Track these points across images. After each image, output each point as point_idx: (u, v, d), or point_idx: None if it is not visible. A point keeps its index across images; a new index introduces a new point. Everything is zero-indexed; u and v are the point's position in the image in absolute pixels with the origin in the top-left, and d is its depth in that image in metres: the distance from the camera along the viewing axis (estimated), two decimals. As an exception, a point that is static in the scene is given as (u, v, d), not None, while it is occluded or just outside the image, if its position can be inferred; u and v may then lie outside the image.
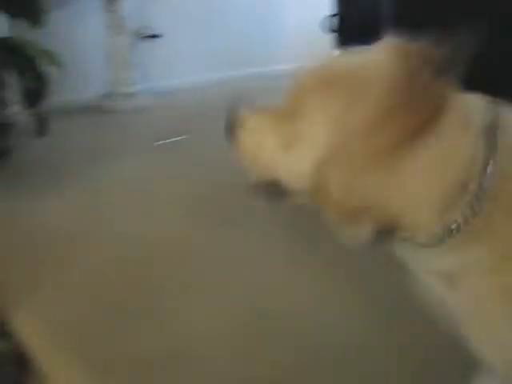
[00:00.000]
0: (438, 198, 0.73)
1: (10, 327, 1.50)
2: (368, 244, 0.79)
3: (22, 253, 1.84)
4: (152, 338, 1.43)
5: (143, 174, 2.60)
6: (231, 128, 1.02)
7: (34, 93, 2.60)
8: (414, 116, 0.72)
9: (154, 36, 4.15)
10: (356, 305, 1.55)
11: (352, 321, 1.49)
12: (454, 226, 0.73)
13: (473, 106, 0.77)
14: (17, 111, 2.71)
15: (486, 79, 0.90)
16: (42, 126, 2.64)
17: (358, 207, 0.76)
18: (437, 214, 0.74)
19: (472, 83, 0.76)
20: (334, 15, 2.97)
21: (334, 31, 3.10)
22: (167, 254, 1.86)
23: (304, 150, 0.84)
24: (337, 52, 3.00)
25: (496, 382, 0.92)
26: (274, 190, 0.93)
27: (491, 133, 0.73)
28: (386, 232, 0.79)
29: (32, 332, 1.48)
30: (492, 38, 0.92)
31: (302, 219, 1.70)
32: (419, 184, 0.73)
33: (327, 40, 5.17)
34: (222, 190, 2.36)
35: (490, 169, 0.71)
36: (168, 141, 3.03)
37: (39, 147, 2.82)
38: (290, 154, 0.87)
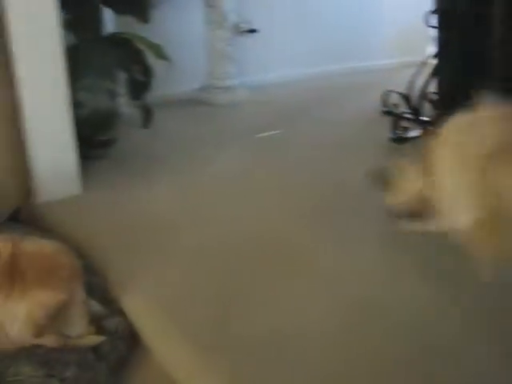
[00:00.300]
0: None
1: (120, 306, 1.60)
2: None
3: (127, 236, 1.94)
4: (262, 320, 1.47)
5: (241, 165, 2.66)
6: (384, 178, 1.46)
7: (141, 85, 2.73)
8: None
9: (251, 31, 4.20)
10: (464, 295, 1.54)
11: (458, 311, 1.48)
12: None
13: None
14: (122, 103, 2.85)
15: None
16: (146, 118, 2.76)
17: None
18: None
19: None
20: (435, 11, 2.89)
21: (433, 27, 3.02)
22: (270, 239, 1.90)
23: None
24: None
25: None
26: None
27: None
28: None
29: (141, 310, 1.57)
30: None
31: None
32: None
33: (426, 35, 5.06)
34: (318, 183, 2.40)
35: None
36: (266, 134, 3.07)
37: (142, 137, 2.95)
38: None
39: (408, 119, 3.00)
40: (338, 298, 1.55)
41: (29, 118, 2.12)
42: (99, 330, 1.48)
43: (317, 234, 1.94)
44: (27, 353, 1.32)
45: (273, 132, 3.12)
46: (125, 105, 3.11)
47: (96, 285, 1.62)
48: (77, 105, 2.35)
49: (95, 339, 1.44)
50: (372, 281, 1.64)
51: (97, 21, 2.66)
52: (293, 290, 1.60)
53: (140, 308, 1.58)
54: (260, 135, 3.08)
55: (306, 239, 1.90)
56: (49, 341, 1.35)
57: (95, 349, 1.40)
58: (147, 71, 2.73)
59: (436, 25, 2.91)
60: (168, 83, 3.42)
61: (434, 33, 3.04)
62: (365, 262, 1.74)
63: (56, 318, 1.34)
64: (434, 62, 3.01)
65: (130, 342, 1.50)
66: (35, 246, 1.42)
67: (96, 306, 1.52)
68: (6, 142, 2.17)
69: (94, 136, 2.56)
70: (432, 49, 3.19)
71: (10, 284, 1.31)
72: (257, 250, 1.84)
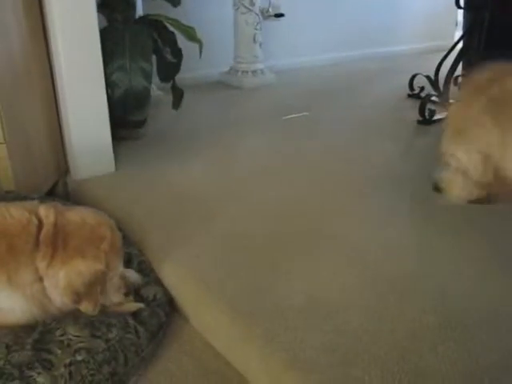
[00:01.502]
0: None
1: (157, 275, 1.66)
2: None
3: (162, 210, 2.00)
4: (297, 288, 1.52)
5: (269, 143, 2.71)
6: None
7: (171, 67, 2.78)
8: None
9: (279, 15, 4.24)
10: (494, 267, 1.58)
11: (490, 283, 1.52)
12: None
13: None
14: (153, 84, 2.90)
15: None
16: (176, 99, 2.81)
17: None
18: None
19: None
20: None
21: (462, 7, 3.03)
22: (302, 213, 1.97)
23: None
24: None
25: None
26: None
27: None
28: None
29: (178, 280, 1.63)
30: None
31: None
32: None
33: (453, 19, 5.04)
34: (346, 161, 2.46)
35: None
36: (292, 116, 3.11)
37: (172, 119, 3.00)
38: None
39: (435, 102, 3.02)
40: (370, 271, 1.60)
41: (66, 97, 2.18)
42: (138, 298, 1.54)
43: (348, 209, 1.99)
44: (73, 316, 1.39)
45: (300, 114, 3.16)
46: (155, 86, 3.18)
47: (134, 255, 1.68)
48: (111, 85, 2.41)
49: (134, 306, 1.50)
50: (402, 255, 1.68)
51: (128, 3, 2.71)
52: (326, 262, 1.65)
53: (177, 277, 1.64)
54: (287, 117, 3.11)
55: (337, 214, 1.95)
56: (86, 308, 1.39)
57: (135, 315, 1.46)
58: (177, 53, 2.77)
59: (464, 5, 2.92)
60: (196, 66, 3.46)
61: (461, 15, 3.05)
62: (395, 236, 1.79)
63: (93, 286, 1.39)
64: (461, 45, 3.03)
65: (168, 309, 1.56)
66: (79, 216, 1.46)
67: (134, 276, 1.58)
68: (44, 120, 2.23)
69: (126, 117, 2.61)
70: (459, 33, 3.20)
71: (53, 252, 1.35)
72: (288, 222, 1.90)
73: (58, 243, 1.37)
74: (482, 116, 1.33)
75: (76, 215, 1.47)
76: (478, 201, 1.45)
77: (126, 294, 1.51)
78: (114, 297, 1.48)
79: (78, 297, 1.37)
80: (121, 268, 1.49)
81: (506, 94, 1.31)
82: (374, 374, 1.21)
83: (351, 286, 1.53)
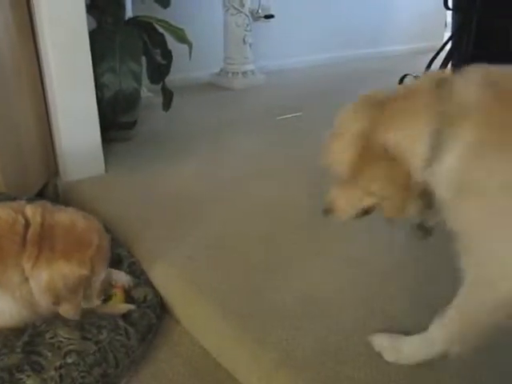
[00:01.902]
0: None
1: (148, 277, 1.65)
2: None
3: (152, 211, 1.99)
4: (289, 289, 1.52)
5: (259, 146, 2.70)
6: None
7: (161, 69, 2.77)
8: None
9: (268, 16, 4.24)
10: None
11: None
12: None
13: None
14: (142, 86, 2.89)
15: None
16: (166, 101, 2.80)
17: None
18: None
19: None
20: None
21: (450, 9, 3.04)
22: (296, 213, 1.97)
23: None
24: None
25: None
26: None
27: None
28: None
29: (169, 281, 1.63)
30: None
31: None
32: None
33: (442, 20, 5.05)
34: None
35: None
36: (287, 116, 3.11)
37: (162, 120, 2.99)
38: None
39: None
40: (363, 272, 1.61)
41: (56, 99, 2.17)
42: (128, 299, 1.54)
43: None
44: (63, 318, 1.38)
45: (294, 114, 3.16)
46: (145, 88, 3.17)
47: (124, 257, 1.67)
48: (101, 87, 2.40)
49: (125, 307, 1.49)
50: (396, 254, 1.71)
51: (118, 5, 2.70)
52: (319, 262, 1.66)
53: (168, 278, 1.64)
54: (281, 117, 3.11)
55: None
56: (66, 311, 1.39)
57: (125, 316, 1.46)
58: (167, 55, 2.77)
59: (452, 7, 2.94)
60: (186, 67, 3.45)
61: (450, 16, 3.07)
62: (390, 235, 1.78)
63: (75, 291, 1.38)
64: (449, 45, 3.04)
65: (159, 310, 1.56)
66: (68, 218, 1.45)
67: (124, 277, 1.58)
68: (34, 121, 2.22)
69: (116, 118, 2.60)
70: (448, 34, 3.22)
71: (38, 253, 1.34)
72: (282, 223, 1.90)
73: (45, 244, 1.36)
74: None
75: (65, 217, 1.45)
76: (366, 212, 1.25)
77: (105, 300, 1.49)
78: (92, 301, 1.47)
79: (57, 299, 1.36)
80: (104, 275, 1.47)
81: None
82: (365, 373, 1.22)
83: (344, 287, 1.54)
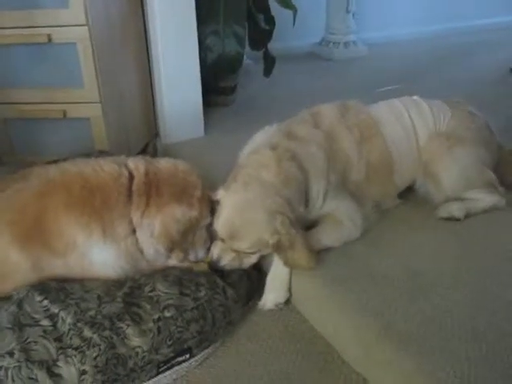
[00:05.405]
0: None
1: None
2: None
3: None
4: (389, 259, 1.46)
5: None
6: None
7: (264, 34, 2.72)
8: None
9: (373, -14, 4.09)
10: None
11: None
12: None
13: None
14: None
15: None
16: (268, 67, 2.76)
17: None
18: None
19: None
20: None
21: None
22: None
23: None
24: None
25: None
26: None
27: None
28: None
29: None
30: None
31: None
32: None
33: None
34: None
35: None
36: (387, 88, 2.98)
37: (261, 87, 2.96)
38: None
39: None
40: (475, 249, 1.51)
41: (160, 60, 2.18)
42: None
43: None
44: (163, 273, 1.38)
45: (393, 86, 3.02)
46: (247, 53, 3.14)
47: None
48: (205, 49, 2.39)
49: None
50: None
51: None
52: (428, 235, 1.58)
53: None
54: (381, 89, 2.99)
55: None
56: (177, 257, 1.40)
57: (224, 277, 1.43)
58: (270, 20, 2.72)
59: None
60: (287, 36, 3.39)
61: None
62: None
63: (186, 234, 1.38)
64: None
65: (258, 275, 1.52)
66: (171, 163, 1.46)
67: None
68: (137, 83, 2.25)
69: (217, 82, 2.60)
70: None
71: (147, 200, 1.35)
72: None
73: (152, 191, 1.36)
74: None
75: (167, 162, 1.46)
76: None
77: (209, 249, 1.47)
78: (200, 251, 1.47)
79: (172, 244, 1.36)
80: (210, 220, 1.45)
81: None
82: (473, 348, 1.14)
83: (450, 262, 1.44)
